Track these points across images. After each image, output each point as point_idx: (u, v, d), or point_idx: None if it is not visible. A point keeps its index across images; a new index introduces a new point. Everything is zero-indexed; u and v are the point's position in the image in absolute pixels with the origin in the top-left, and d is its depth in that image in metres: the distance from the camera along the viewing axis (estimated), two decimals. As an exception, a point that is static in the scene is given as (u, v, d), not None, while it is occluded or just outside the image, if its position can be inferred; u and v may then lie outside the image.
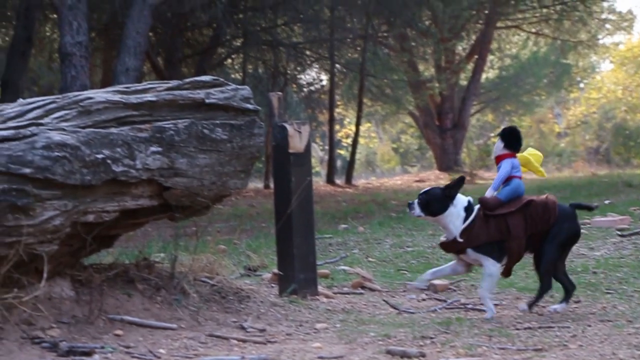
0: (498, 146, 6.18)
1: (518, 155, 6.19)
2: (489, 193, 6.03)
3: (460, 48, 34.32)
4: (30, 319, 4.72)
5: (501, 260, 5.87)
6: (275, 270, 6.81)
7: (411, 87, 32.51)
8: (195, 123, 5.41)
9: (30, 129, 4.77)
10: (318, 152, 44.24)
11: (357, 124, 30.05)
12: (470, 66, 34.02)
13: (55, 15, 20.67)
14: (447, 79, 31.71)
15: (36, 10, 20.29)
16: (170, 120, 5.36)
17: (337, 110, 34.22)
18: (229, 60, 29.75)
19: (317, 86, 32.79)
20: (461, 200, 5.96)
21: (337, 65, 29.17)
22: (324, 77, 32.11)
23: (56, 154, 4.65)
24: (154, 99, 5.37)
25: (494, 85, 37.47)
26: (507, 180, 6.01)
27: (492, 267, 5.84)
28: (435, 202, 5.91)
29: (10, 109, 5.11)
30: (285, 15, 26.53)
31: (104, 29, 23.73)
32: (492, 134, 42.67)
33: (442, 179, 26.37)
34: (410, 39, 29.63)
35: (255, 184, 26.94)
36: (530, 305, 6.00)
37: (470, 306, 6.42)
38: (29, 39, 20.20)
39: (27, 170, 4.54)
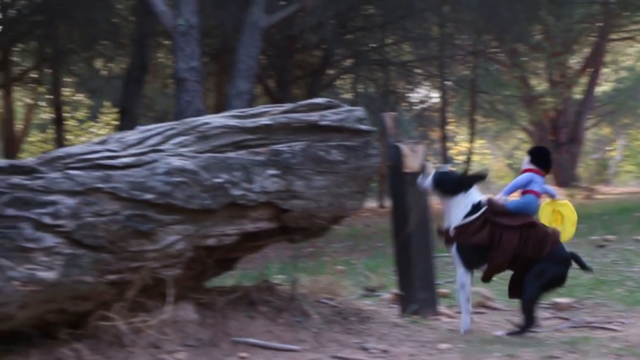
0: (525, 161, 6.22)
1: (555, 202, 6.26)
2: (500, 196, 6.02)
3: (573, 62, 33.69)
4: (157, 343, 4.79)
5: (475, 269, 5.87)
6: (395, 291, 6.78)
7: (524, 103, 32.06)
8: (311, 145, 5.42)
9: (150, 155, 4.86)
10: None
11: (470, 141, 29.80)
12: (584, 79, 33.35)
13: (168, 42, 21.10)
14: (560, 93, 31.13)
15: (150, 37, 20.79)
16: (286, 143, 5.38)
17: (449, 127, 33.98)
18: (339, 81, 29.90)
19: (428, 104, 32.66)
20: (474, 195, 5.93)
21: (448, 82, 29.02)
22: (435, 95, 31.97)
23: (176, 179, 4.73)
24: (269, 122, 5.41)
25: (609, 98, 36.55)
26: (523, 193, 6.03)
27: (463, 276, 5.84)
28: (448, 183, 5.90)
29: (131, 136, 5.22)
30: (394, 34, 26.55)
31: (216, 53, 24.13)
32: (609, 148, 41.70)
33: (560, 194, 25.83)
34: (522, 54, 29.24)
35: (370, 203, 26.91)
36: (510, 334, 5.85)
37: (596, 324, 6.25)
38: (143, 66, 20.71)
39: (149, 196, 4.63)
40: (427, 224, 6.62)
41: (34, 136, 35.21)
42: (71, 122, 33.99)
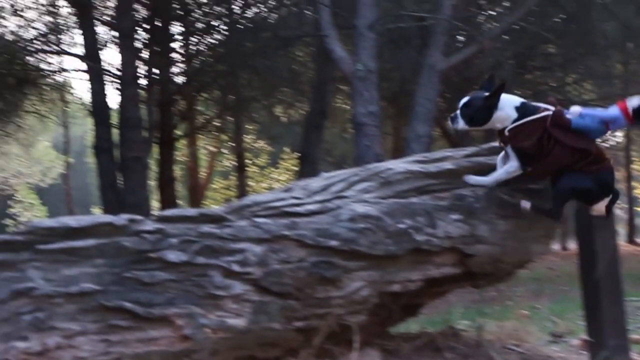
0: (633, 101, 5.50)
1: None
2: (575, 108, 5.48)
3: None
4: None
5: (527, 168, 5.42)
6: (584, 337, 6.56)
7: None
8: (495, 189, 5.35)
9: (335, 202, 4.91)
10: (616, 211, 42.57)
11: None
12: None
13: (347, 87, 21.38)
14: None
15: (329, 83, 21.13)
16: (469, 187, 5.34)
17: (634, 166, 32.86)
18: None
19: (612, 143, 31.74)
20: (509, 101, 5.43)
21: (632, 121, 28.05)
22: (619, 134, 31.04)
23: (360, 225, 4.75)
24: (452, 167, 5.38)
25: None
26: (599, 120, 5.45)
27: (515, 168, 5.37)
28: (477, 112, 5.38)
29: (315, 183, 5.29)
30: (576, 72, 25.99)
31: (394, 97, 24.27)
32: None
33: None
34: None
35: (553, 245, 26.27)
36: (534, 208, 5.42)
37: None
38: (323, 111, 21.05)
39: (333, 243, 4.66)
40: (616, 267, 6.38)
41: (217, 183, 36.29)
42: (252, 169, 34.87)
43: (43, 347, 3.88)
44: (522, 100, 5.55)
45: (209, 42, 25.01)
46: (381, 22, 16.31)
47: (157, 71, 22.89)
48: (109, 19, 23.92)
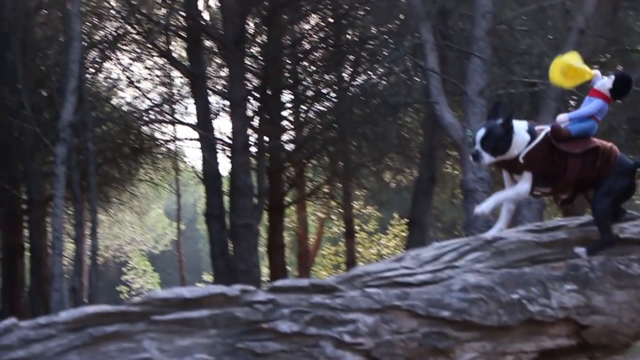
0: (604, 83, 5.67)
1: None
2: (562, 117, 5.56)
3: None
4: None
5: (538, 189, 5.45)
6: None
7: None
8: (610, 259, 5.24)
9: (446, 272, 4.89)
10: None
11: None
12: None
13: (456, 153, 21.33)
14: None
15: (438, 149, 21.09)
16: (583, 258, 5.24)
17: None
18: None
19: None
20: (519, 124, 5.45)
21: None
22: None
23: (473, 296, 4.72)
24: (566, 236, 5.31)
25: None
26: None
27: (524, 190, 5.44)
28: (501, 141, 5.37)
29: (426, 252, 5.28)
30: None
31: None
32: None
33: None
34: None
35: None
36: (591, 251, 5.30)
37: None
38: (432, 177, 20.99)
39: (445, 313, 4.63)
40: None
41: (326, 249, 36.38)
42: (361, 235, 34.87)
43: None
44: (526, 122, 5.58)
45: (318, 109, 25.33)
46: (491, 88, 16.27)
47: (267, 139, 23.24)
48: (221, 88, 24.48)
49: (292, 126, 25.96)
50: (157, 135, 27.31)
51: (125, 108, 25.84)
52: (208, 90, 22.62)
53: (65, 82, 17.06)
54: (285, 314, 4.35)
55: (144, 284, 48.65)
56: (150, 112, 25.14)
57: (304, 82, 24.71)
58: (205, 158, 21.46)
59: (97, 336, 4.10)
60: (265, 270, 27.53)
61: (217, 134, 23.09)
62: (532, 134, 5.52)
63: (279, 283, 4.54)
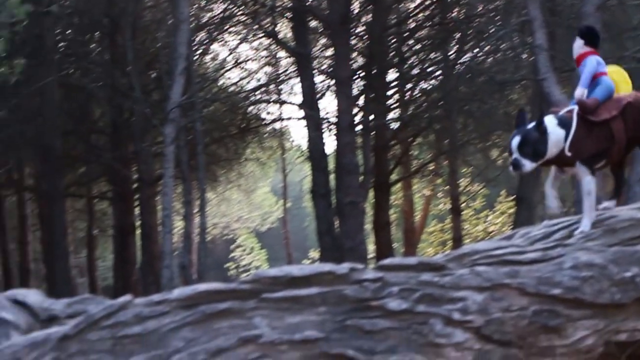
0: (578, 45, 5.62)
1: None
2: (578, 92, 5.41)
3: None
4: None
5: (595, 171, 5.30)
6: None
7: None
8: None
9: (556, 250, 4.82)
10: None
11: None
12: None
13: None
14: None
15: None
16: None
17: None
18: None
19: None
20: (550, 122, 5.32)
21: None
22: None
23: (584, 274, 4.64)
24: (681, 212, 5.18)
25: None
26: (595, 78, 5.47)
27: (591, 183, 5.26)
28: (538, 145, 5.23)
29: (537, 230, 5.23)
30: None
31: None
32: None
33: None
34: None
35: None
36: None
37: None
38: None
39: (556, 291, 4.57)
40: None
41: (432, 226, 36.23)
42: (468, 212, 34.60)
43: (268, 393, 4.00)
44: (553, 115, 5.49)
45: (424, 87, 25.19)
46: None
47: (373, 117, 23.20)
48: (326, 67, 24.53)
49: (398, 104, 25.86)
50: (264, 114, 27.61)
51: (232, 88, 26.15)
52: (314, 70, 22.68)
53: (174, 64, 17.33)
54: (394, 292, 4.35)
55: (251, 261, 49.30)
56: (256, 92, 25.37)
57: (409, 61, 24.56)
58: (311, 137, 21.56)
59: (209, 313, 4.18)
60: (371, 248, 27.59)
61: (322, 113, 23.18)
62: (564, 124, 5.42)
63: (387, 261, 4.55)
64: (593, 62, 5.65)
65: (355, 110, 22.78)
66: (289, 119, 27.08)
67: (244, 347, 4.08)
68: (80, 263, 35.89)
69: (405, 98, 25.53)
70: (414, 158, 28.68)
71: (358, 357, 4.15)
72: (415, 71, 24.70)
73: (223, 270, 46.84)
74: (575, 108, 5.48)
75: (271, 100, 26.29)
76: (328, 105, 42.59)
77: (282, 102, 26.50)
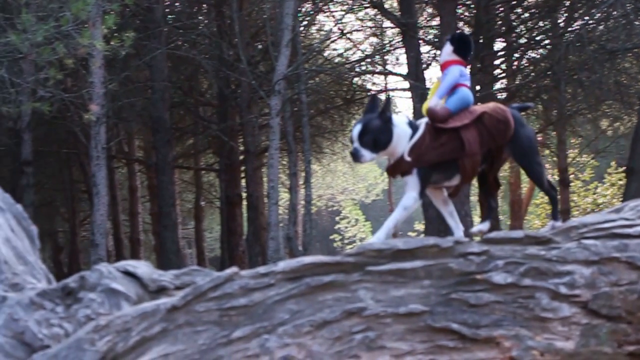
0: (446, 51, 5.35)
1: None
2: (433, 102, 5.13)
3: None
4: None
5: (434, 186, 5.19)
6: None
7: None
8: None
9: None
10: None
11: None
12: None
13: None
14: None
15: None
16: None
17: None
18: None
19: None
20: (399, 118, 5.09)
21: None
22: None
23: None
24: None
25: None
26: (454, 88, 5.25)
27: (412, 200, 5.06)
28: (380, 134, 4.95)
29: (646, 203, 5.11)
30: None
31: None
32: None
33: None
34: None
35: None
36: (555, 218, 5.34)
37: None
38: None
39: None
40: None
41: (539, 198, 35.74)
42: (576, 183, 34.02)
43: (374, 365, 4.03)
44: (405, 116, 5.29)
45: (532, 56, 24.77)
46: None
47: (479, 87, 22.94)
48: (432, 37, 24.35)
49: (505, 74, 25.50)
50: (369, 85, 27.58)
51: (337, 60, 26.18)
52: (419, 40, 22.52)
53: (280, 36, 17.43)
54: (499, 266, 4.32)
55: (356, 232, 49.49)
56: (361, 63, 25.35)
57: (517, 30, 24.18)
58: (417, 108, 21.45)
59: (314, 285, 4.22)
60: (477, 220, 27.39)
61: (428, 84, 23.03)
62: (414, 127, 5.17)
63: (493, 234, 4.51)
64: (456, 72, 5.40)
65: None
66: (394, 89, 26.94)
67: (348, 320, 4.10)
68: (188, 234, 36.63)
69: (513, 68, 25.16)
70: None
71: (462, 331, 4.14)
72: (522, 40, 24.29)
73: (328, 241, 47.19)
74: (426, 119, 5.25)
75: (376, 71, 26.23)
76: (433, 76, 42.18)
77: (388, 73, 26.41)
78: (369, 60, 25.38)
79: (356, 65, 25.35)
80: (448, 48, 5.47)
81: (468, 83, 5.47)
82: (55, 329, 4.70)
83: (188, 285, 4.58)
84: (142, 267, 5.01)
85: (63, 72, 14.09)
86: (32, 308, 4.82)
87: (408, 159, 5.08)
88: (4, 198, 5.89)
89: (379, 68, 26.02)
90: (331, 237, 48.47)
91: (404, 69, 23.61)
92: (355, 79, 26.22)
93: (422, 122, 5.26)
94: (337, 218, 49.92)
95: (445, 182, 5.41)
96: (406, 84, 22.96)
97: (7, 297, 4.98)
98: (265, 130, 23.31)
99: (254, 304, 4.22)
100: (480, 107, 5.32)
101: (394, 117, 5.17)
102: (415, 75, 21.24)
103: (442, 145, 5.10)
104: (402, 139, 5.11)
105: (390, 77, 27.71)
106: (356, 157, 5.13)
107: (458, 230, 5.51)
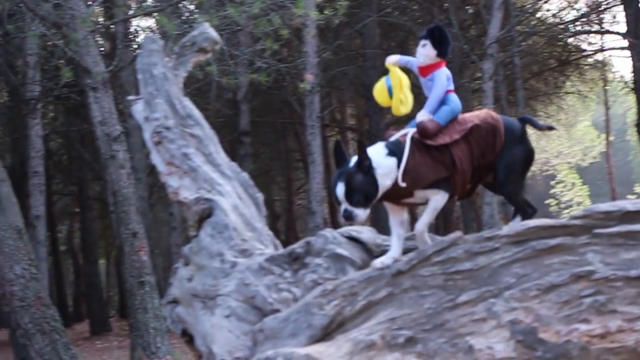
0: (429, 53, 4.71)
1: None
2: (423, 116, 4.59)
3: None
4: None
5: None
6: None
7: None
8: None
9: None
10: None
11: None
12: None
13: None
14: None
15: None
16: None
17: None
18: None
19: None
20: (376, 151, 4.51)
21: None
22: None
23: None
24: None
25: None
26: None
27: (443, 199, 4.57)
28: (367, 188, 4.46)
29: None
30: None
31: None
32: None
33: None
34: None
35: None
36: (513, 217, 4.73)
37: None
38: None
39: None
40: None
41: None
42: None
43: (605, 329, 3.94)
44: (381, 144, 4.63)
45: None
46: None
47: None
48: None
49: None
50: (584, 46, 26.76)
51: (551, 20, 25.54)
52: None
53: (493, -2, 17.20)
54: None
55: (572, 197, 48.30)
56: (576, 22, 24.62)
57: None
58: (636, 67, 20.63)
59: (539, 249, 4.17)
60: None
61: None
62: (396, 151, 4.58)
63: None
64: (443, 78, 4.80)
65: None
66: (611, 49, 25.97)
67: (576, 283, 4.03)
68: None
69: None
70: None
71: None
72: None
73: (544, 206, 46.30)
74: (412, 131, 4.69)
75: (592, 30, 25.39)
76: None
77: (604, 32, 25.49)
78: (584, 19, 24.60)
79: (571, 25, 24.64)
80: (430, 50, 4.86)
81: (452, 86, 4.94)
82: (284, 293, 4.87)
83: (411, 250, 4.62)
84: (366, 232, 5.10)
85: (278, 42, 14.39)
86: (261, 273, 5.02)
87: (403, 184, 4.64)
88: (231, 167, 6.14)
89: (595, 27, 25.16)
90: (546, 201, 47.50)
91: (622, 27, 22.73)
92: (570, 40, 25.49)
93: (407, 140, 4.71)
94: (552, 182, 48.86)
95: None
96: (625, 43, 22.09)
97: (237, 262, 5.20)
98: (477, 95, 23.05)
99: (479, 267, 4.22)
100: (470, 118, 4.83)
101: (372, 156, 4.60)
102: (635, 32, 20.41)
103: (433, 163, 4.65)
104: (391, 173, 4.63)
105: (607, 36, 26.72)
106: (351, 219, 4.61)
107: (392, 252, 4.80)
